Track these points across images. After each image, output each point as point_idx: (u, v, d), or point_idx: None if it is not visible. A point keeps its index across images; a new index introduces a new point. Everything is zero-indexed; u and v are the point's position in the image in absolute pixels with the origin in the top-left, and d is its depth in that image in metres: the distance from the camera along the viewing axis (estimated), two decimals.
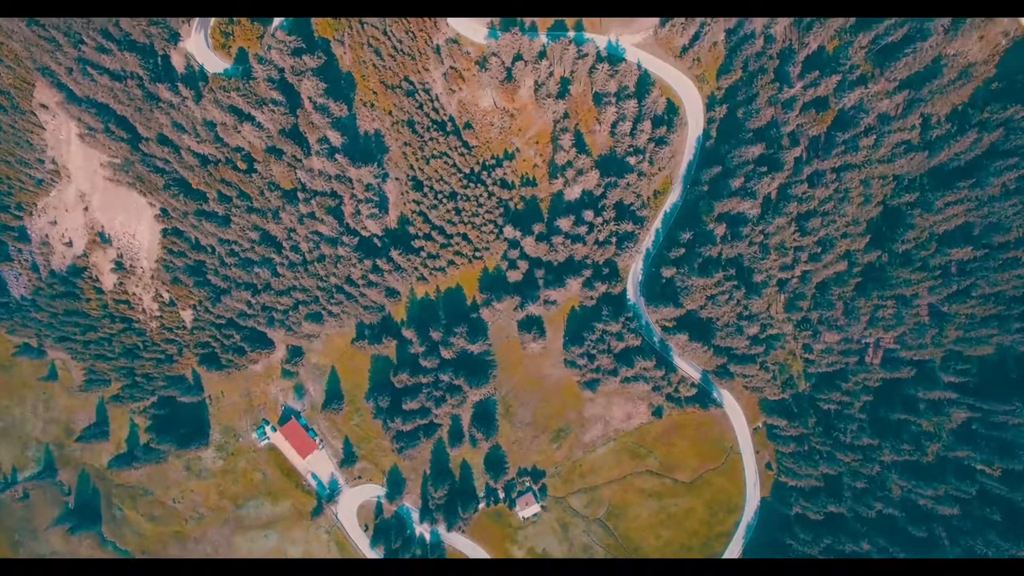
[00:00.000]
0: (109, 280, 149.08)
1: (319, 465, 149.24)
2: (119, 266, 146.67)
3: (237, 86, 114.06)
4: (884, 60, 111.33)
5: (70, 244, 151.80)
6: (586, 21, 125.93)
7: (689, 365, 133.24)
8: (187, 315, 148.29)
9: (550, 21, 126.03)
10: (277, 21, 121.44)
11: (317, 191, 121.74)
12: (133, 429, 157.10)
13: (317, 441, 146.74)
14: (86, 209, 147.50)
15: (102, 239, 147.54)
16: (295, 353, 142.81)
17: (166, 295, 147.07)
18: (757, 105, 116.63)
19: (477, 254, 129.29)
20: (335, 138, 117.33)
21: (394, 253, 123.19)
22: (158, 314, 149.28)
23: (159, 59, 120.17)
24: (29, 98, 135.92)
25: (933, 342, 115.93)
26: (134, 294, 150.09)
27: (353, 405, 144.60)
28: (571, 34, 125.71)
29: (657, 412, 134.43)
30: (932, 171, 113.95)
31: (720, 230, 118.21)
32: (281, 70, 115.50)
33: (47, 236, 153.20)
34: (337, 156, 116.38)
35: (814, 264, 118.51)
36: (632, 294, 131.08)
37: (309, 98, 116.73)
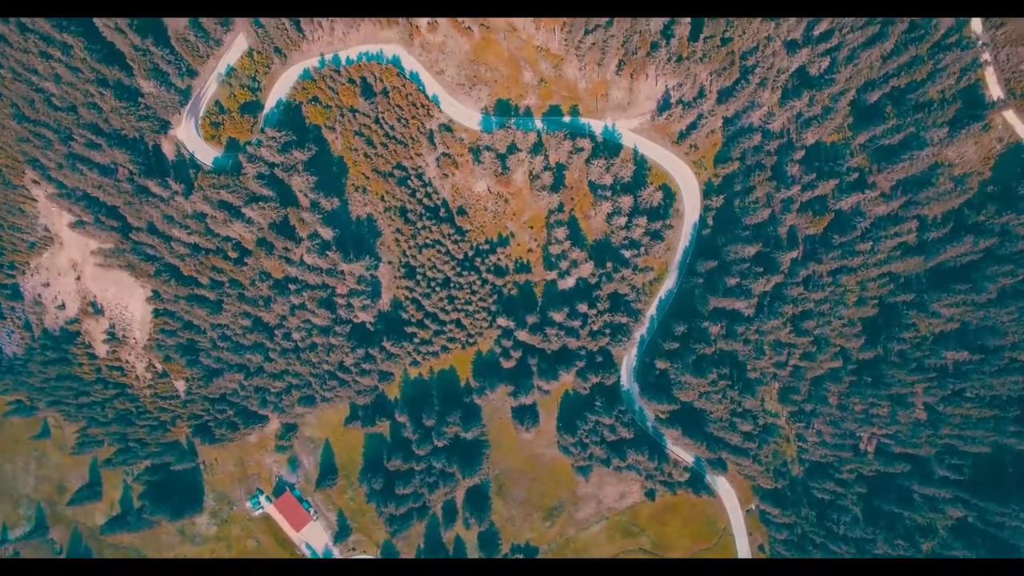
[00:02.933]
0: (102, 348, 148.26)
1: (313, 535, 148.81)
2: (112, 336, 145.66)
3: (226, 183, 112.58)
4: (882, 159, 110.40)
5: (63, 307, 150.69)
6: (582, 106, 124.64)
7: (683, 449, 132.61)
8: (180, 385, 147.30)
9: (546, 106, 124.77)
10: (267, 108, 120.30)
11: (308, 284, 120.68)
12: (127, 490, 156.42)
13: (311, 513, 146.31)
14: (78, 278, 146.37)
15: (94, 309, 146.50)
16: (289, 428, 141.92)
17: (159, 366, 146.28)
18: (754, 199, 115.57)
19: (470, 340, 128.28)
20: (326, 234, 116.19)
21: (387, 343, 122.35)
22: (151, 383, 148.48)
23: (149, 148, 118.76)
24: (21, 175, 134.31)
25: (928, 441, 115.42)
26: (127, 362, 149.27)
27: (347, 479, 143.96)
28: (567, 119, 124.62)
29: (650, 494, 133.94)
30: (929, 270, 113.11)
31: (715, 329, 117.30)
32: (271, 165, 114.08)
33: (40, 295, 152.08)
34: (328, 252, 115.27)
35: (809, 362, 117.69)
36: (626, 380, 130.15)
37: (300, 191, 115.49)
